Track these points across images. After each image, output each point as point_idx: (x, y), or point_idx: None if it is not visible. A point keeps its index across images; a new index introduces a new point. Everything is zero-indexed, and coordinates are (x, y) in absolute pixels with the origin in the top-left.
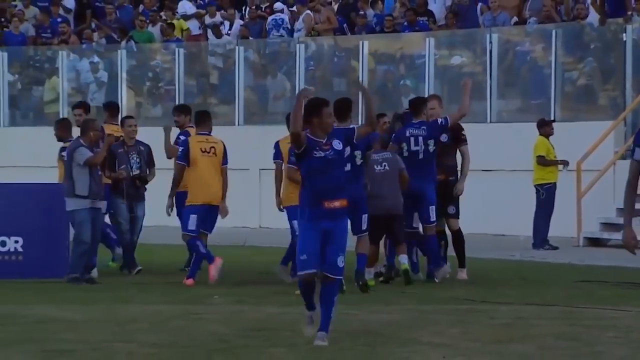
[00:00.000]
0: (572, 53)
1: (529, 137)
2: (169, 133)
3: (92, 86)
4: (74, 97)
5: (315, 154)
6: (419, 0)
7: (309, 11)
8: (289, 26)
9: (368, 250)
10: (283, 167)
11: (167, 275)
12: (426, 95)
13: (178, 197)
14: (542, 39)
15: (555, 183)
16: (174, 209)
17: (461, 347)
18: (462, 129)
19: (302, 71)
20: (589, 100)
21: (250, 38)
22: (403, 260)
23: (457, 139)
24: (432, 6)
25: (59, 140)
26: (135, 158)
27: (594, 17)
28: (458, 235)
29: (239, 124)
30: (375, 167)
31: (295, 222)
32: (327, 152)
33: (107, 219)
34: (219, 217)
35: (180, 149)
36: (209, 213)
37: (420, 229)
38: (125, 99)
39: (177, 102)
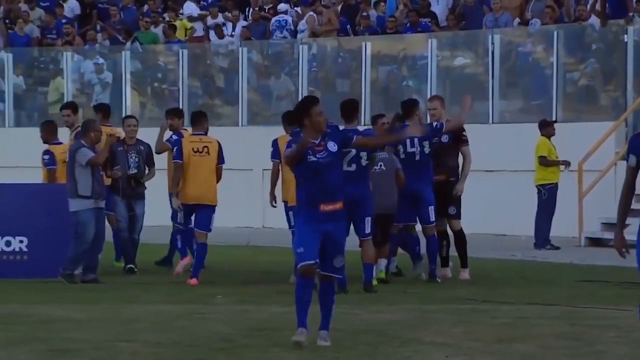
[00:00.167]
0: (573, 54)
1: (530, 138)
2: (163, 131)
3: (96, 87)
4: (79, 98)
5: (309, 159)
6: (421, 1)
7: (312, 13)
8: (292, 27)
9: (374, 259)
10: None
11: (170, 275)
12: (428, 96)
13: None
14: (544, 40)
15: (556, 183)
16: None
17: (463, 346)
18: (464, 130)
19: (305, 72)
20: (590, 101)
21: (253, 39)
22: (380, 266)
23: (459, 139)
24: (434, 7)
25: (45, 142)
26: (134, 157)
27: (595, 18)
28: (460, 236)
29: (242, 125)
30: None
31: None
32: (321, 156)
33: None
34: (219, 216)
35: (175, 148)
36: (202, 212)
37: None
38: (130, 100)
39: (180, 103)
